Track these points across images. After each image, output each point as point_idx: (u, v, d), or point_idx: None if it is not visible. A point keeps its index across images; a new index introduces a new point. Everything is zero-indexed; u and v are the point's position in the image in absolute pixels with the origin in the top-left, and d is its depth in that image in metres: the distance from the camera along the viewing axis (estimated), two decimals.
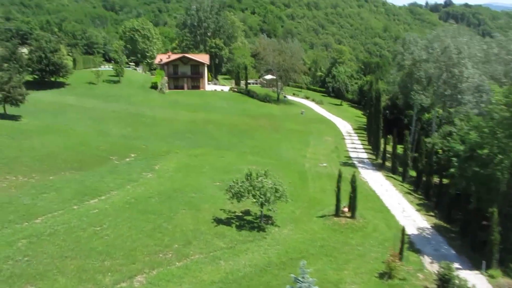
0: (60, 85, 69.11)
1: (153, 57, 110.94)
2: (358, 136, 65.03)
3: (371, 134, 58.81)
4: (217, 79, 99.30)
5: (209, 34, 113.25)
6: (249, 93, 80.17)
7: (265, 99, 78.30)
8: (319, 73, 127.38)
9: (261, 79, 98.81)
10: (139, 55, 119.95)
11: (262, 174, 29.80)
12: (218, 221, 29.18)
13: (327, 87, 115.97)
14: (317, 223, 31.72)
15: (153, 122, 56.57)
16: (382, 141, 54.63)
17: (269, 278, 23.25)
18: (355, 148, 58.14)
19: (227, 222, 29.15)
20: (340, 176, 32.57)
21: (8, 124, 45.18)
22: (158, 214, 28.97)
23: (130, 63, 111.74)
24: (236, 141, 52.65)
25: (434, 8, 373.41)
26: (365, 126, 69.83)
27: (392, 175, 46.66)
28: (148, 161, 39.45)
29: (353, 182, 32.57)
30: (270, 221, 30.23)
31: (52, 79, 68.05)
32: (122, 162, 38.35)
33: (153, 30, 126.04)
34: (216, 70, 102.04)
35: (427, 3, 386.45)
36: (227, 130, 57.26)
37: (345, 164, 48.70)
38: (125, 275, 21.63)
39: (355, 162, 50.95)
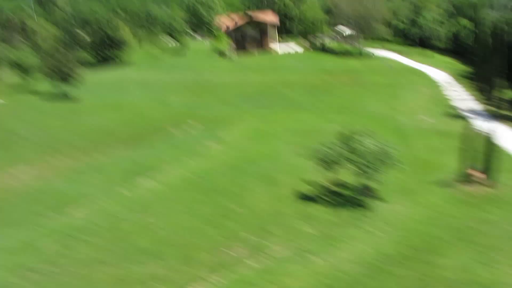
0: (123, 63, 65.25)
1: (218, 28, 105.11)
2: (463, 86, 52.83)
3: (484, 80, 46.87)
4: (288, 41, 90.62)
5: None
6: (324, 50, 70.52)
7: (344, 54, 68.09)
8: (399, 24, 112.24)
9: (337, 35, 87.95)
10: (204, 29, 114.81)
11: (361, 133, 21.24)
12: (303, 197, 21.49)
13: (412, 38, 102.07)
14: (437, 193, 22.61)
15: (219, 87, 49.94)
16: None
17: (387, 282, 15.17)
18: (462, 98, 46.61)
19: (314, 199, 21.37)
20: (467, 129, 23.00)
21: (61, 105, 41.25)
22: (224, 194, 22.03)
23: (196, 36, 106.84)
24: (314, 100, 44.19)
25: None
26: (467, 75, 57.18)
27: None
28: (212, 129, 32.79)
29: (489, 136, 22.91)
30: (373, 195, 21.83)
31: (114, 55, 64.42)
32: (181, 132, 32.13)
33: None
34: (286, 31, 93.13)
35: None
36: (302, 89, 48.87)
37: (453, 116, 38.19)
38: (177, 285, 14.90)
39: (467, 113, 39.95)
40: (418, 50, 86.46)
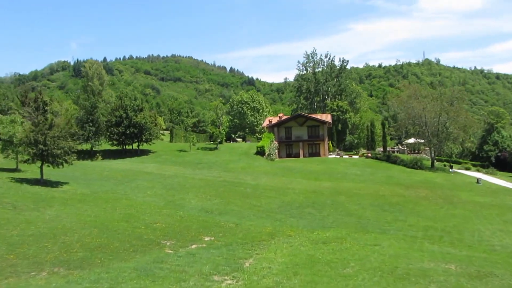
0: (144, 152, 55.84)
1: (263, 130, 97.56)
2: None
3: None
4: (340, 150, 79.36)
5: (328, 99, 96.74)
6: (389, 159, 58.20)
7: (415, 165, 55.32)
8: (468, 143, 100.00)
9: (400, 145, 76.51)
10: (247, 130, 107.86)
11: None
12: None
13: (486, 157, 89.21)
14: None
15: (254, 192, 37.82)
16: None
17: None
18: None
19: None
20: None
21: (34, 191, 30.14)
22: None
23: (237, 139, 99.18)
24: (391, 219, 30.63)
25: None
26: None
27: None
28: (233, 249, 19.75)
29: None
30: None
31: (134, 145, 55.46)
32: (180, 251, 19.28)
33: (264, 102, 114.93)
34: (338, 138, 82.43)
35: None
36: (369, 202, 35.73)
37: None
38: None
39: None
40: (499, 171, 72.35)
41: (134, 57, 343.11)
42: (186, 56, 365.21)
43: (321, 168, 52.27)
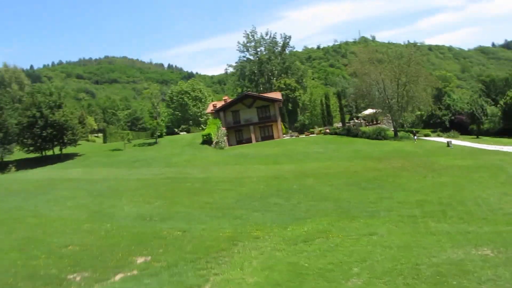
0: (68, 157, 47.54)
1: (205, 115, 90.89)
2: None
3: None
4: (293, 131, 73.95)
5: (273, 79, 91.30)
6: (350, 132, 53.65)
7: (378, 135, 51.05)
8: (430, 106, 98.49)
9: (356, 118, 72.54)
10: (191, 122, 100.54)
11: None
12: None
13: (440, 122, 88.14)
14: None
15: (204, 186, 31.39)
16: None
17: None
18: None
19: None
20: None
21: None
22: None
23: (180, 132, 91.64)
24: (374, 197, 25.27)
25: (506, 46, 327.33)
26: None
27: None
28: (180, 273, 13.45)
29: None
30: None
31: (56, 150, 46.99)
32: (101, 285, 12.78)
33: (205, 90, 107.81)
34: (290, 119, 77.14)
35: (493, 44, 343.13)
36: (343, 181, 30.42)
37: None
38: None
39: None
40: (458, 134, 70.36)
41: (64, 61, 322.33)
42: (120, 57, 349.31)
43: (278, 150, 46.69)
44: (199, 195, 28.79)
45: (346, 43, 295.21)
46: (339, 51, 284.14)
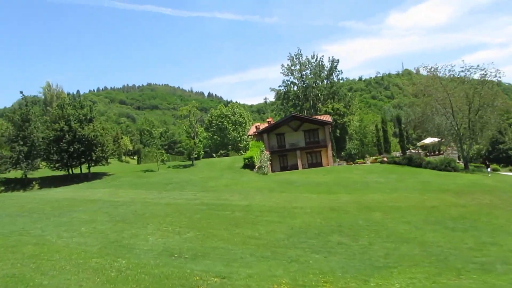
0: (96, 176, 43.68)
1: (248, 147, 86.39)
2: None
3: None
4: (341, 160, 67.73)
5: (319, 104, 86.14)
6: (412, 162, 47.21)
7: (447, 166, 44.31)
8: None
9: (412, 148, 65.76)
10: (230, 147, 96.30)
11: None
12: None
13: (505, 157, 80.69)
14: None
15: (247, 216, 26.13)
16: None
17: None
18: None
19: None
20: None
21: None
22: None
23: (218, 157, 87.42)
24: (472, 242, 19.15)
25: None
26: None
27: None
28: None
29: None
30: None
31: (83, 168, 43.27)
32: None
33: (245, 114, 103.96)
34: (337, 146, 71.18)
35: None
36: (420, 218, 24.34)
37: None
38: None
39: None
40: None
41: (109, 88, 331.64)
42: (162, 84, 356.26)
43: (330, 178, 40.99)
44: (240, 226, 23.54)
45: (389, 75, 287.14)
46: (381, 83, 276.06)
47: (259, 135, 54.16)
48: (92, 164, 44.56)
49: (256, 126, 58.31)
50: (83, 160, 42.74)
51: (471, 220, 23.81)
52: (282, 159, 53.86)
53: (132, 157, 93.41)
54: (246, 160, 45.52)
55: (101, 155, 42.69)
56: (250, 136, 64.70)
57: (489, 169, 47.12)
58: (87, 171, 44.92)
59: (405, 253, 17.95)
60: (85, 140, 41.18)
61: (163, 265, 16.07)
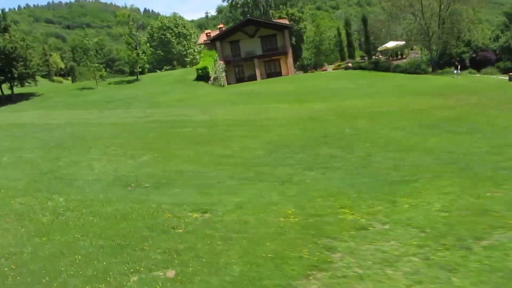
0: (22, 97, 37.44)
1: (195, 61, 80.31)
2: None
3: None
4: (297, 69, 63.81)
5: (271, 11, 79.96)
6: (378, 66, 44.37)
7: (417, 68, 41.84)
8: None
9: (375, 54, 62.78)
10: (175, 62, 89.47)
11: None
12: None
13: (460, 60, 80.00)
14: None
15: (212, 132, 22.28)
16: None
17: None
18: None
19: None
20: None
21: None
22: None
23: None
24: (486, 145, 16.55)
25: None
26: None
27: None
28: None
29: None
30: None
31: (4, 88, 36.71)
32: None
33: (190, 26, 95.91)
34: (293, 55, 66.80)
35: None
36: (414, 123, 21.51)
37: None
38: None
39: None
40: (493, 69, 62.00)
41: (31, 5, 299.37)
42: (92, 1, 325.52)
43: (296, 87, 37.37)
44: (207, 144, 19.69)
45: None
46: None
47: (211, 43, 48.60)
48: (15, 84, 37.96)
49: (207, 34, 52.48)
50: (2, 78, 36.06)
51: (470, 122, 21.24)
52: (238, 69, 49.25)
53: (66, 77, 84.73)
54: (200, 71, 40.49)
55: (24, 71, 36.06)
56: (200, 45, 58.84)
57: (456, 71, 45.25)
58: (9, 92, 38.33)
59: (417, 163, 14.89)
60: (1, 54, 34.25)
61: (118, 199, 12.06)
